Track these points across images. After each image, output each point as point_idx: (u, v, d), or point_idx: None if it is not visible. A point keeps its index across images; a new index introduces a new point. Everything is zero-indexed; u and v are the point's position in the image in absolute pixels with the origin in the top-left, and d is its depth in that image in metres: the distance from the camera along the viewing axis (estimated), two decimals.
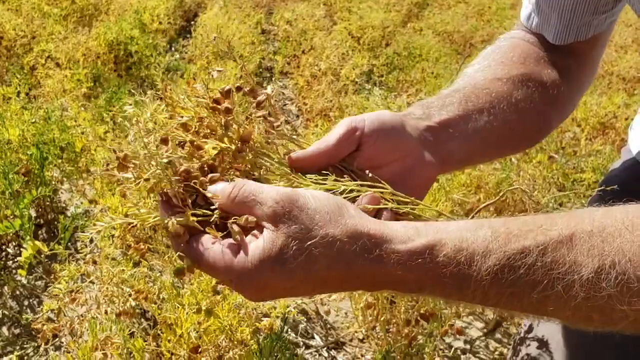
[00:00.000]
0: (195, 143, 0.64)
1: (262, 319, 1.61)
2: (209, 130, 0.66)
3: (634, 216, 0.54)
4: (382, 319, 1.83)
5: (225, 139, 0.64)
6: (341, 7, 7.28)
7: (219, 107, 0.65)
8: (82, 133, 2.85)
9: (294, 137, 0.69)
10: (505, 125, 0.82)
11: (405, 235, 0.56)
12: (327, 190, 0.64)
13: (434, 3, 8.66)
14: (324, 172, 0.67)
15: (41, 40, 4.52)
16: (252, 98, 0.68)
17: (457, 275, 0.54)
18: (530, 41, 0.93)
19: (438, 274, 0.54)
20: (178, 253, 0.62)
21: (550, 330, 1.03)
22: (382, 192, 0.65)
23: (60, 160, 2.71)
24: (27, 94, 3.64)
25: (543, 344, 1.04)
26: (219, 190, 0.62)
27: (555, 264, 0.53)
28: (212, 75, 0.68)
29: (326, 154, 0.67)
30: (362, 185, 0.65)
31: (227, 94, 0.66)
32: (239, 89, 0.68)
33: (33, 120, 2.71)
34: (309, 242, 0.55)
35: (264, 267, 0.56)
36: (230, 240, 0.58)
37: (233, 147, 0.64)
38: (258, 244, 0.56)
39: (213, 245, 0.59)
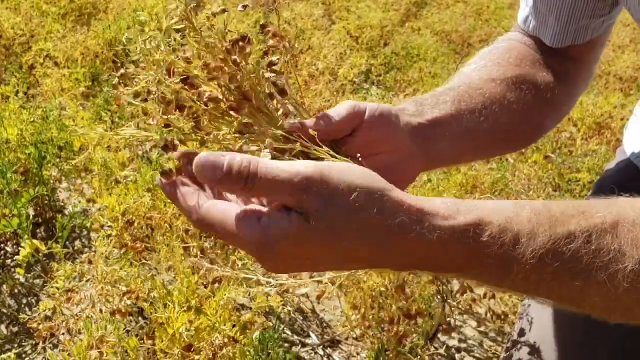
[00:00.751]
0: (189, 81, 0.60)
1: (245, 314, 1.62)
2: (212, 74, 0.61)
3: None
4: (370, 317, 1.84)
5: (225, 91, 0.60)
6: (340, 7, 7.29)
7: (228, 55, 0.61)
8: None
9: (297, 106, 0.66)
10: (496, 127, 0.83)
11: (447, 211, 0.52)
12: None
13: (432, 2, 8.67)
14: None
15: (40, 39, 4.53)
16: (274, 41, 0.64)
17: (501, 257, 0.52)
18: (527, 44, 0.93)
19: (481, 254, 0.52)
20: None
21: (542, 335, 1.03)
22: None
23: (58, 159, 2.72)
24: (25, 93, 3.65)
25: (534, 350, 1.04)
26: (218, 165, 0.53)
27: (600, 251, 0.52)
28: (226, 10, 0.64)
29: (324, 130, 0.65)
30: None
31: (242, 39, 0.62)
32: (263, 27, 0.66)
33: (31, 119, 2.73)
34: (342, 222, 0.51)
35: (289, 243, 0.52)
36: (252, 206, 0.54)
37: (232, 98, 0.60)
38: (283, 221, 0.52)
39: (234, 209, 0.54)
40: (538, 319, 1.05)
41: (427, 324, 1.97)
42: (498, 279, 0.54)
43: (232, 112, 0.61)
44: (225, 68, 0.61)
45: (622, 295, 0.52)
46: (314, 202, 0.51)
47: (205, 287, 1.42)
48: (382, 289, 1.74)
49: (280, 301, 1.84)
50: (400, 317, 1.72)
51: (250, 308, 1.72)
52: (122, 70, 0.62)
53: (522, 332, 1.10)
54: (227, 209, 0.55)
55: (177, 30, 0.64)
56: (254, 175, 0.52)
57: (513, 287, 0.54)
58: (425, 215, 0.52)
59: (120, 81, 0.62)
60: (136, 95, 0.61)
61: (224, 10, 0.65)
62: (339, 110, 0.68)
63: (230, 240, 0.55)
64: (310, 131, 0.63)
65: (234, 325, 1.34)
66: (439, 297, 2.02)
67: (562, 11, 0.87)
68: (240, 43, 0.63)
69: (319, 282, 1.98)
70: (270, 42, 0.65)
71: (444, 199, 0.55)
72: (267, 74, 0.65)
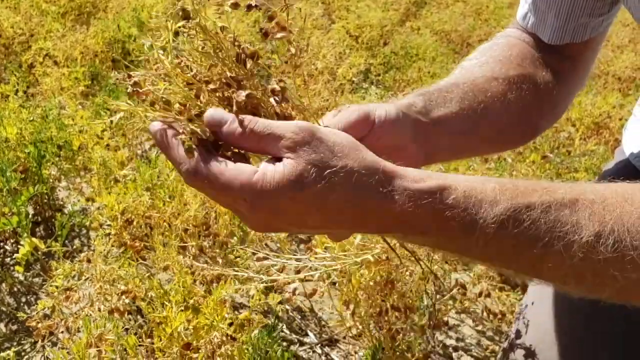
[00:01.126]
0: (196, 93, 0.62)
1: (241, 312, 1.63)
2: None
3: (633, 191, 0.58)
4: (361, 313, 1.84)
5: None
6: (339, 6, 7.29)
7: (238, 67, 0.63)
8: (80, 131, 2.88)
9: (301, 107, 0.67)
10: (496, 126, 0.84)
11: (418, 176, 0.57)
12: None
13: (432, 2, 8.67)
14: None
15: (39, 38, 4.53)
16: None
17: (464, 219, 0.55)
18: (526, 41, 0.93)
19: (446, 216, 0.55)
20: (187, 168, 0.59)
21: (539, 336, 1.04)
22: None
23: (57, 158, 2.73)
24: (25, 92, 3.66)
25: (530, 353, 1.05)
26: (225, 127, 0.59)
27: (558, 222, 0.55)
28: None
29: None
30: None
31: (252, 56, 0.65)
32: (271, 18, 0.68)
33: (31, 118, 2.73)
34: (328, 170, 0.55)
35: (283, 190, 0.55)
36: (243, 165, 0.57)
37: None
38: (278, 168, 0.56)
39: (231, 164, 0.58)
40: (535, 321, 1.05)
41: (420, 320, 1.97)
42: (461, 243, 0.57)
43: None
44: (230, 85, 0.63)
45: (577, 264, 0.55)
46: (307, 150, 0.56)
47: (203, 285, 1.42)
48: (371, 283, 1.74)
49: (279, 300, 1.85)
50: (388, 310, 1.72)
51: (249, 307, 1.73)
52: (134, 79, 0.63)
53: (518, 334, 1.11)
54: (224, 161, 0.58)
55: (176, 33, 0.64)
56: (255, 123, 0.58)
57: (474, 252, 0.58)
58: (397, 177, 0.57)
59: (134, 89, 0.63)
60: (151, 104, 0.63)
61: (236, 5, 0.66)
62: (348, 117, 0.70)
63: (222, 192, 0.58)
64: None
65: (231, 324, 1.35)
66: (431, 292, 2.02)
67: (561, 8, 0.88)
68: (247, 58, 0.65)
69: (310, 280, 1.98)
70: (279, 35, 0.66)
71: (414, 169, 0.59)
72: (274, 86, 0.66)
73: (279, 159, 0.57)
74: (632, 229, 0.55)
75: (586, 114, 3.77)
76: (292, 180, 0.55)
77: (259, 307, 1.74)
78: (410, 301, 1.75)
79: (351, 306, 1.86)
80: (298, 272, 1.44)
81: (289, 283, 1.99)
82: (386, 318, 1.74)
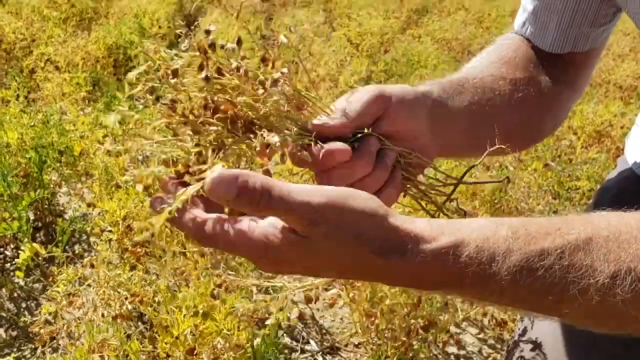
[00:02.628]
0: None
1: (260, 324, 1.63)
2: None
3: None
4: (381, 328, 1.85)
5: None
6: (340, 14, 7.32)
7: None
8: (81, 137, 2.87)
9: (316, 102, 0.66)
10: (503, 125, 0.83)
11: (431, 235, 0.56)
12: None
13: (433, 10, 8.70)
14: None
15: (41, 43, 4.54)
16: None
17: (477, 275, 0.55)
18: (527, 45, 0.94)
19: (460, 274, 0.55)
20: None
21: (544, 331, 1.03)
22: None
23: (58, 164, 2.72)
24: (26, 97, 3.66)
25: (537, 345, 1.04)
26: (225, 186, 0.53)
27: (572, 267, 0.54)
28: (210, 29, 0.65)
29: (350, 124, 0.67)
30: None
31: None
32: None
33: (32, 123, 2.73)
34: (340, 245, 0.55)
35: (292, 250, 0.55)
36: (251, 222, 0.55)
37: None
38: (290, 237, 0.54)
39: (239, 222, 0.55)
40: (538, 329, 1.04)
41: (432, 334, 1.97)
42: (477, 295, 0.57)
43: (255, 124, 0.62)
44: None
45: (595, 307, 0.54)
46: (322, 229, 0.54)
47: (215, 295, 1.41)
48: (398, 301, 1.76)
49: (281, 308, 1.84)
50: (417, 330, 1.73)
51: (252, 316, 1.72)
52: (168, 99, 0.60)
53: (524, 331, 1.10)
54: (226, 222, 0.56)
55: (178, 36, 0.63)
56: (268, 194, 0.53)
57: (491, 300, 0.58)
58: (413, 239, 0.56)
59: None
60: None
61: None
62: (364, 98, 0.68)
63: (229, 251, 0.58)
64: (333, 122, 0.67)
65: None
66: (439, 303, 2.02)
67: (563, 17, 0.88)
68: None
69: (326, 289, 1.98)
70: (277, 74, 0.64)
71: (430, 220, 0.58)
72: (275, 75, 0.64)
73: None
74: None
75: (588, 122, 3.78)
76: (297, 250, 0.55)
77: (261, 315, 1.73)
78: (430, 316, 1.75)
79: (375, 320, 1.86)
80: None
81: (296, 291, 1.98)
82: (409, 337, 1.75)
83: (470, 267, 0.55)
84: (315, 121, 0.66)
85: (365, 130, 0.67)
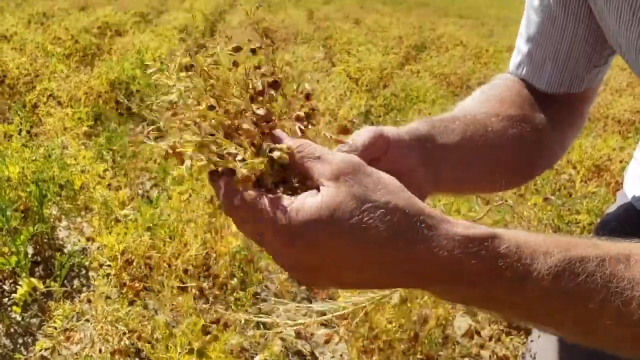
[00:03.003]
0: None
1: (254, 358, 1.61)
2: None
3: None
4: None
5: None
6: (340, 50, 7.42)
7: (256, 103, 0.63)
8: (82, 171, 2.88)
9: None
10: (497, 161, 0.83)
11: (467, 223, 0.53)
12: None
13: (431, 46, 8.82)
14: None
15: (44, 78, 4.59)
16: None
17: (517, 270, 0.52)
18: (522, 86, 0.95)
19: (498, 266, 0.52)
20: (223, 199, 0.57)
21: None
22: None
23: (59, 198, 2.73)
24: (28, 131, 3.68)
25: None
26: (284, 138, 0.58)
27: (614, 277, 0.52)
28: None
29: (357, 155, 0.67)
30: None
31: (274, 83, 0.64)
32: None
33: (33, 157, 2.74)
34: (368, 204, 0.52)
35: (318, 221, 0.52)
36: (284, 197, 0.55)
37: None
38: (316, 199, 0.53)
39: (264, 195, 0.55)
40: (542, 354, 1.03)
41: None
42: (512, 296, 0.53)
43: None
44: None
45: (635, 323, 0.51)
46: (349, 180, 0.53)
47: (208, 331, 1.40)
48: (393, 336, 1.73)
49: (280, 345, 1.82)
50: None
51: (249, 350, 1.70)
52: (166, 146, 0.61)
53: None
54: (253, 195, 0.56)
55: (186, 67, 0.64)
56: (308, 146, 0.57)
57: (524, 308, 0.54)
58: (444, 221, 0.53)
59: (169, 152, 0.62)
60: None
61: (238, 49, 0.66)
62: (363, 137, 0.68)
63: (254, 224, 0.56)
64: None
65: None
66: (445, 340, 2.00)
67: (558, 59, 0.89)
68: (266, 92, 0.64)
69: (325, 325, 1.96)
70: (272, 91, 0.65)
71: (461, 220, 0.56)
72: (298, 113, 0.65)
73: (319, 188, 0.54)
74: None
75: (586, 157, 3.79)
76: (329, 212, 0.52)
77: (258, 349, 1.71)
78: (429, 350, 1.73)
79: (373, 357, 1.83)
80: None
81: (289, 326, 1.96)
82: None
83: (509, 259, 0.51)
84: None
85: None
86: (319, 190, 0.54)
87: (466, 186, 0.87)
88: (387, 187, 0.54)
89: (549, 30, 0.88)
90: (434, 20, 12.74)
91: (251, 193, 0.56)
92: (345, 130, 0.68)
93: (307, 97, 0.67)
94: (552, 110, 0.91)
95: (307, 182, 0.57)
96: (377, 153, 0.68)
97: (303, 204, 0.53)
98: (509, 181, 0.95)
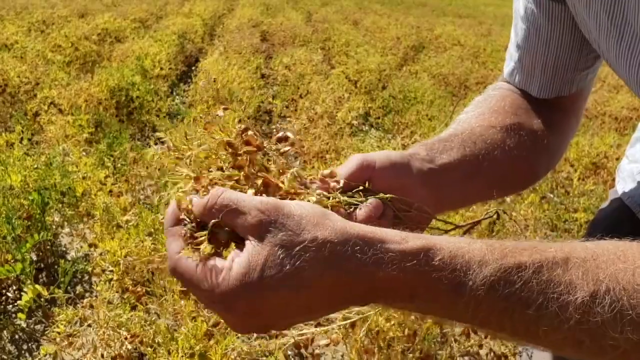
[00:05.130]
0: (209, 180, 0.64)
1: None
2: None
3: (624, 248, 0.56)
4: None
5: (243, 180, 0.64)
6: (338, 52, 7.44)
7: (237, 149, 0.65)
8: (83, 178, 2.91)
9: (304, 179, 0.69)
10: (498, 172, 0.85)
11: (399, 236, 0.54)
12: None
13: (429, 46, 8.84)
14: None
15: (45, 86, 4.62)
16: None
17: (452, 282, 0.52)
18: (517, 92, 0.97)
19: (432, 279, 0.52)
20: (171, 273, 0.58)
21: None
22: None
23: (61, 205, 2.76)
24: (29, 139, 3.71)
25: None
26: (195, 200, 0.59)
27: (551, 282, 0.52)
28: (219, 115, 0.68)
29: (335, 189, 0.69)
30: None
31: (244, 131, 0.66)
32: (246, 129, 0.68)
33: (35, 165, 2.77)
34: (297, 248, 0.51)
35: (250, 283, 0.52)
36: (215, 261, 0.55)
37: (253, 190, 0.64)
38: (241, 259, 0.53)
39: (202, 265, 0.55)
40: (538, 351, 1.05)
41: None
42: (449, 307, 0.54)
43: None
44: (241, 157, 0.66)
45: (574, 327, 0.52)
46: (272, 230, 0.53)
47: (210, 335, 1.42)
48: (393, 334, 1.75)
49: (280, 346, 1.85)
50: None
51: (249, 352, 1.73)
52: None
53: None
54: (197, 260, 0.56)
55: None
56: (220, 193, 0.57)
57: (465, 317, 0.55)
58: (376, 240, 0.53)
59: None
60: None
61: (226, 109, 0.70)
62: (349, 165, 0.71)
63: (195, 292, 0.57)
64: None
65: None
66: (442, 339, 2.03)
67: (546, 65, 0.91)
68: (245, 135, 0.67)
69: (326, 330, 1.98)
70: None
71: (391, 230, 0.56)
72: (283, 148, 0.69)
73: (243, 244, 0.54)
74: (628, 287, 0.52)
75: (584, 154, 3.81)
76: (257, 270, 0.52)
77: (260, 352, 1.74)
78: (427, 349, 1.75)
79: (372, 357, 1.85)
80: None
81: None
82: None
83: (443, 272, 0.52)
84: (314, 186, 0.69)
85: (361, 187, 0.71)
86: (242, 246, 0.54)
87: (470, 199, 0.89)
88: (310, 221, 0.53)
89: (535, 38, 0.90)
90: (432, 21, 12.75)
91: (189, 261, 0.56)
92: (331, 174, 0.70)
93: (280, 140, 0.70)
94: (547, 114, 0.93)
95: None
96: (363, 177, 0.71)
97: (230, 270, 0.53)
98: (511, 189, 0.98)
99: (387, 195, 0.70)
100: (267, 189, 0.63)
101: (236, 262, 0.53)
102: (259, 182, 0.63)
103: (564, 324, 0.52)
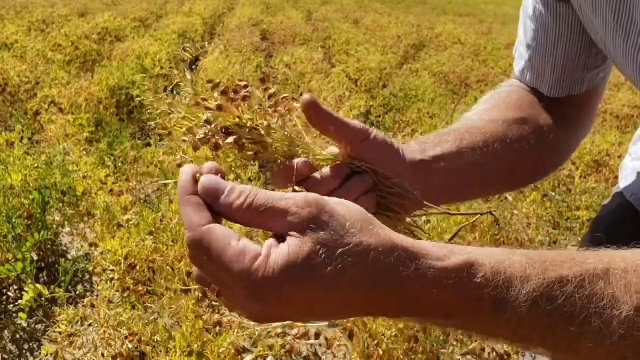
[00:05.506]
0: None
1: (243, 356, 1.62)
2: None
3: None
4: None
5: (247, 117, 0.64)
6: (339, 50, 7.43)
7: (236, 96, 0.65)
8: (84, 177, 2.91)
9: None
10: (497, 165, 0.84)
11: (440, 252, 0.52)
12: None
13: (430, 44, 8.83)
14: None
15: (45, 85, 4.62)
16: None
17: (493, 299, 0.51)
18: (526, 89, 0.96)
19: (474, 296, 0.51)
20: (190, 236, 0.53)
21: None
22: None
23: (61, 204, 2.75)
24: (30, 138, 3.71)
25: None
26: (222, 199, 0.53)
27: (594, 297, 0.51)
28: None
29: (339, 125, 0.68)
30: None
31: (245, 86, 0.65)
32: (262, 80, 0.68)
33: (35, 165, 2.77)
34: (340, 250, 0.49)
35: (287, 275, 0.49)
36: (251, 243, 0.51)
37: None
38: (281, 250, 0.50)
39: (237, 242, 0.51)
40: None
41: None
42: (489, 324, 0.52)
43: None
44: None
45: (617, 342, 0.51)
46: (314, 227, 0.50)
47: (208, 331, 1.42)
48: (393, 336, 1.74)
49: (282, 345, 1.84)
50: None
51: (251, 351, 1.72)
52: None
53: None
54: (231, 235, 0.52)
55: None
56: (255, 195, 0.53)
57: (505, 333, 0.53)
58: (419, 255, 0.51)
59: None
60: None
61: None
62: (351, 120, 0.70)
63: (219, 273, 0.52)
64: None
65: None
66: (438, 335, 2.02)
67: (556, 64, 0.90)
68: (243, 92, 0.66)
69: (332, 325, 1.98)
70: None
71: (434, 242, 0.54)
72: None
73: (284, 237, 0.51)
74: None
75: (585, 152, 3.81)
76: (297, 264, 0.49)
77: (261, 354, 1.73)
78: (431, 349, 1.74)
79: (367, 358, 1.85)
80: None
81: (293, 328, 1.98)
82: None
83: (485, 290, 0.50)
84: (306, 96, 0.69)
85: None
86: (279, 239, 0.51)
87: (466, 192, 0.87)
88: (354, 224, 0.51)
89: (543, 38, 0.90)
90: (432, 19, 12.74)
91: (221, 235, 0.52)
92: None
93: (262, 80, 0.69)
94: (558, 110, 0.92)
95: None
96: (355, 137, 0.69)
97: (268, 258, 0.50)
98: (514, 182, 0.96)
99: (372, 168, 0.69)
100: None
101: (275, 252, 0.50)
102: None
103: (607, 339, 0.51)
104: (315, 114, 0.68)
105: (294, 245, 0.50)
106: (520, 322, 0.51)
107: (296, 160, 0.67)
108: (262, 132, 0.66)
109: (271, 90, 0.68)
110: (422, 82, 5.52)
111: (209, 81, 0.68)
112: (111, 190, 2.92)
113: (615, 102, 5.25)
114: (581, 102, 0.95)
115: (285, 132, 0.67)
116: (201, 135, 0.65)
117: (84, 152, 3.41)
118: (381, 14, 12.84)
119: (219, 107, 0.65)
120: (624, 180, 1.08)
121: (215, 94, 0.66)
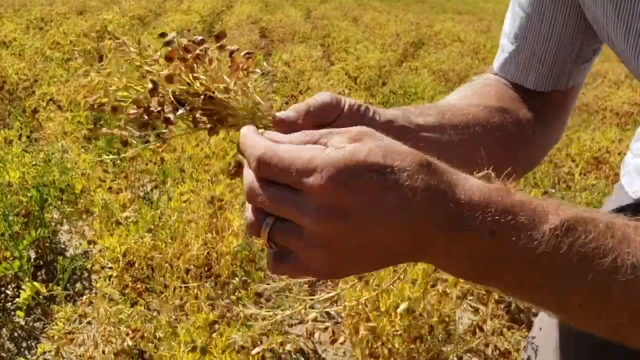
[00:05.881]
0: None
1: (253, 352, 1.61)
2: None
3: None
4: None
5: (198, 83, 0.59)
6: (338, 48, 7.42)
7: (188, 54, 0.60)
8: (82, 175, 2.90)
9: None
10: (477, 148, 0.82)
11: (544, 204, 0.51)
12: None
13: (429, 42, 8.82)
14: None
15: (43, 83, 4.60)
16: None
17: (531, 216, 0.50)
18: (504, 83, 0.95)
19: (513, 208, 0.50)
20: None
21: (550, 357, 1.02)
22: None
23: (59, 202, 2.74)
24: (28, 136, 3.70)
25: None
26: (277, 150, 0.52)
27: (625, 239, 0.50)
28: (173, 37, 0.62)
29: (312, 118, 0.64)
30: None
31: (199, 43, 0.61)
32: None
33: (33, 162, 2.76)
34: (395, 154, 0.50)
35: (361, 162, 0.48)
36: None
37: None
38: (356, 144, 0.50)
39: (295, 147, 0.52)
40: (544, 347, 1.04)
41: None
42: (525, 245, 0.49)
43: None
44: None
45: None
46: (374, 136, 0.51)
47: (211, 327, 1.41)
48: (397, 334, 1.74)
49: (281, 341, 1.83)
50: None
51: (251, 348, 1.71)
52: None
53: None
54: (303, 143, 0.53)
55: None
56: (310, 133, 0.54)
57: (534, 265, 0.50)
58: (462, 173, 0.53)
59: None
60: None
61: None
62: (318, 97, 0.66)
63: (295, 179, 0.50)
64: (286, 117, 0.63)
65: None
66: (442, 334, 2.01)
67: (546, 55, 0.89)
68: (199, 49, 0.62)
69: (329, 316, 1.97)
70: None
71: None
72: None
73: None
74: None
75: (585, 149, 3.80)
76: (362, 156, 0.48)
77: (262, 350, 1.72)
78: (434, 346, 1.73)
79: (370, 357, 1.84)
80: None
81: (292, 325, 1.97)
82: None
83: (524, 207, 0.50)
84: (276, 114, 0.63)
85: None
86: None
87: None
88: (403, 146, 0.51)
89: (537, 25, 0.88)
90: (431, 17, 12.74)
91: (291, 147, 0.52)
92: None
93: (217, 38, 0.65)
94: (537, 106, 0.91)
95: None
96: (329, 117, 0.66)
97: (329, 152, 0.49)
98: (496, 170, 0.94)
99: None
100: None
101: (351, 145, 0.49)
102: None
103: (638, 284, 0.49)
104: (290, 129, 0.63)
105: (352, 145, 0.49)
106: (555, 249, 0.49)
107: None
108: (221, 98, 0.61)
109: (230, 48, 0.63)
110: (421, 80, 5.52)
111: (161, 34, 0.62)
112: (110, 187, 2.91)
113: (615, 100, 5.24)
114: (560, 102, 0.94)
115: (247, 101, 0.62)
116: (150, 110, 0.59)
117: (83, 150, 3.40)
118: (380, 12, 12.83)
119: (169, 77, 0.59)
120: (626, 177, 1.07)
121: (162, 53, 0.61)
